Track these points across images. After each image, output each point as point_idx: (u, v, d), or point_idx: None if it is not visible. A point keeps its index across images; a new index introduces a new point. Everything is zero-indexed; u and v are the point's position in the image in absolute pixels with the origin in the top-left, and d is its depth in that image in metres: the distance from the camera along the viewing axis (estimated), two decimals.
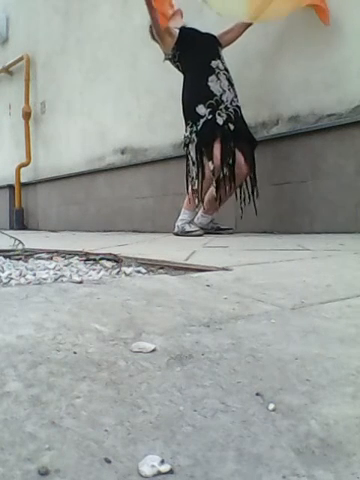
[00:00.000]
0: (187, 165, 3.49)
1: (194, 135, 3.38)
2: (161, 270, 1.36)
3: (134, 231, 4.68)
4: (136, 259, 1.49)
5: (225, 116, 3.32)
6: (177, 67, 3.59)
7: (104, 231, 4.97)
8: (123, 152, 5.03)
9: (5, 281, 1.22)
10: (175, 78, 3.58)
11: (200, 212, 3.57)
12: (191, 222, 3.50)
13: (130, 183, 4.94)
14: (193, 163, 3.43)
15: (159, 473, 0.38)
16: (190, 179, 3.47)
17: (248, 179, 3.42)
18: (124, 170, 5.01)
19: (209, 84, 3.35)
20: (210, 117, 3.31)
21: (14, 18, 6.96)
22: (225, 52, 3.50)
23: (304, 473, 0.39)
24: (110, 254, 1.58)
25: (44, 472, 0.38)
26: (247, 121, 3.48)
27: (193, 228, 3.44)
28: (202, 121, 3.33)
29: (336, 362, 0.60)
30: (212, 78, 3.36)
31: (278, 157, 3.55)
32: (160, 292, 0.96)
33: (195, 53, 3.42)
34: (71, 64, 5.76)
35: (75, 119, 5.73)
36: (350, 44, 3.10)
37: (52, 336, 0.66)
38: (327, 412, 0.48)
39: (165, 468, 0.39)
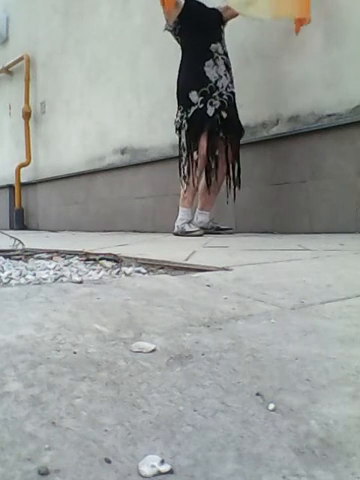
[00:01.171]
0: (179, 149, 3.50)
1: (185, 121, 3.39)
2: (161, 270, 1.36)
3: (134, 231, 4.67)
4: (136, 259, 1.49)
5: (218, 103, 3.32)
6: (177, 40, 3.57)
7: (104, 231, 4.96)
8: (123, 152, 5.03)
9: (5, 281, 1.22)
10: (175, 77, 3.58)
11: (198, 210, 3.57)
12: (190, 222, 3.50)
13: (130, 183, 4.94)
14: (184, 149, 3.44)
15: (159, 473, 0.38)
16: (181, 164, 3.48)
17: (231, 168, 3.43)
18: (124, 170, 5.00)
19: (205, 69, 3.34)
20: (201, 106, 3.31)
21: (14, 18, 6.95)
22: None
23: (304, 473, 0.39)
24: (110, 254, 1.58)
25: (44, 472, 0.38)
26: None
27: (193, 228, 3.43)
28: (193, 109, 3.34)
29: (336, 362, 0.60)
30: (209, 63, 3.35)
31: (278, 157, 3.55)
32: (160, 292, 0.96)
33: (196, 33, 3.40)
34: (71, 64, 5.76)
35: (75, 119, 5.73)
36: (350, 43, 3.10)
37: (52, 336, 0.66)
38: (327, 412, 0.48)
39: (165, 468, 0.39)
